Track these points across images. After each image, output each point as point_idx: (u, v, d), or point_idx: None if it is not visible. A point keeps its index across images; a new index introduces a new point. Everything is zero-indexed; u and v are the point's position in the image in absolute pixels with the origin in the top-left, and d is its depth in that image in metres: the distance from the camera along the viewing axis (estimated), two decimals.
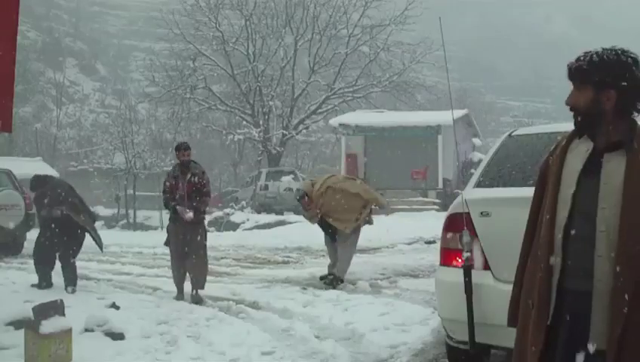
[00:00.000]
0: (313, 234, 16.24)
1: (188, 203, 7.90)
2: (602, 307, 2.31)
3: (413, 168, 24.67)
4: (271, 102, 31.67)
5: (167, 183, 8.15)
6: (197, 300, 7.69)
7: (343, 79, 32.29)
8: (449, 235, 4.24)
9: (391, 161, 25.56)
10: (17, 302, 7.04)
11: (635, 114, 2.44)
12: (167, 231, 8.32)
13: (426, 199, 23.81)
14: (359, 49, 31.90)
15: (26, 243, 14.57)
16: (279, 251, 14.14)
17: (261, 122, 31.53)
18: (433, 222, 11.82)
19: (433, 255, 8.79)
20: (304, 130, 34.76)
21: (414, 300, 7.50)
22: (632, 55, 2.44)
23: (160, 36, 34.26)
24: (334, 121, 27.25)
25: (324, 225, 9.23)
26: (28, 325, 4.94)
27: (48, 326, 4.77)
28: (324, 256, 13.08)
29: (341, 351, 5.33)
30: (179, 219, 7.91)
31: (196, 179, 8.03)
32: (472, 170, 16.29)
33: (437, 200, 23.40)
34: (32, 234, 15.10)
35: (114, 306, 7.02)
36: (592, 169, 2.41)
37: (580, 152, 2.47)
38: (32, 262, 12.51)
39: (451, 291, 4.08)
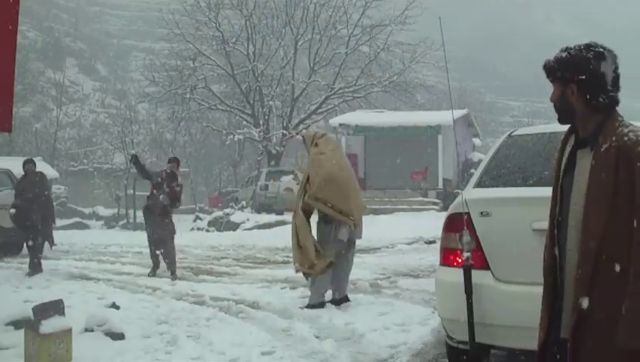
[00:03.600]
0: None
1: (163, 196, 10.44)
2: (569, 297, 2.45)
3: (414, 168, 24.68)
4: (271, 102, 31.67)
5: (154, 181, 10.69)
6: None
7: (343, 79, 32.29)
8: (449, 235, 4.24)
9: (391, 161, 25.59)
10: (17, 301, 7.04)
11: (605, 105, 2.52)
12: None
13: (426, 199, 23.81)
14: (359, 49, 31.90)
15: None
16: (279, 251, 14.14)
17: (261, 122, 31.54)
18: (433, 222, 11.84)
19: (433, 255, 8.80)
20: (304, 130, 34.73)
21: (414, 300, 7.49)
22: (597, 49, 2.52)
23: (160, 36, 34.29)
24: (334, 121, 27.26)
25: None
26: (28, 325, 4.94)
27: (48, 326, 4.77)
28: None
29: (341, 350, 5.33)
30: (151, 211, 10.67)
31: (178, 188, 10.77)
32: (472, 170, 16.29)
33: (437, 200, 23.40)
34: None
35: (114, 306, 7.02)
36: (570, 165, 2.55)
37: (568, 148, 2.60)
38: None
39: (451, 291, 4.08)
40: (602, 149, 2.41)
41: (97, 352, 5.26)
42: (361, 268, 10.32)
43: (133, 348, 5.47)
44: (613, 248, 2.33)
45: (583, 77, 2.48)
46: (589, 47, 2.53)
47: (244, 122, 32.70)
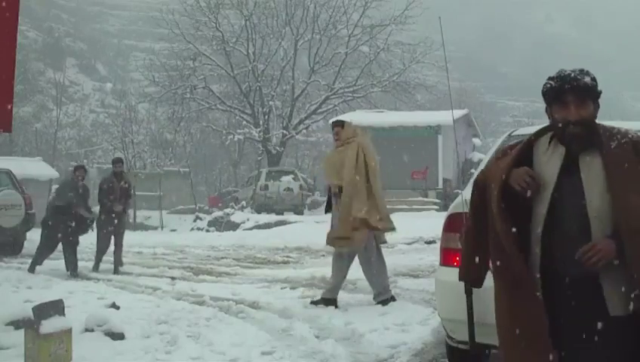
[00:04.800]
0: (313, 234, 16.28)
1: (120, 201, 11.16)
2: (611, 281, 2.59)
3: (414, 168, 24.68)
4: (271, 102, 31.69)
5: (105, 186, 11.20)
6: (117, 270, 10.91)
7: (342, 79, 32.29)
8: (449, 235, 4.24)
9: (391, 161, 25.54)
10: (17, 302, 7.04)
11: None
12: (99, 222, 11.13)
13: (426, 199, 23.82)
14: (359, 49, 31.91)
15: (26, 243, 14.58)
16: (279, 251, 14.15)
17: (261, 122, 31.55)
18: (433, 222, 11.82)
19: (433, 255, 8.80)
20: (304, 130, 34.76)
21: (414, 300, 7.50)
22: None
23: (160, 36, 34.28)
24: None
25: None
26: (28, 325, 4.94)
27: (48, 326, 4.76)
28: (324, 255, 13.09)
29: (341, 350, 5.33)
30: (110, 213, 11.01)
31: (127, 185, 11.47)
32: (472, 170, 16.31)
33: (437, 200, 23.41)
34: (32, 234, 15.17)
35: (114, 306, 7.02)
36: (570, 169, 2.70)
37: (555, 157, 2.76)
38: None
39: (451, 291, 4.08)
40: (613, 146, 2.66)
41: (97, 352, 5.26)
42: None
43: (133, 348, 5.47)
44: None
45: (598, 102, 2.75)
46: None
47: (244, 122, 32.71)
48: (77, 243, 10.62)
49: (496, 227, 2.76)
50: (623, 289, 2.58)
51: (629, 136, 2.69)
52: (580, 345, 2.64)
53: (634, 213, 2.55)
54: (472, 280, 3.13)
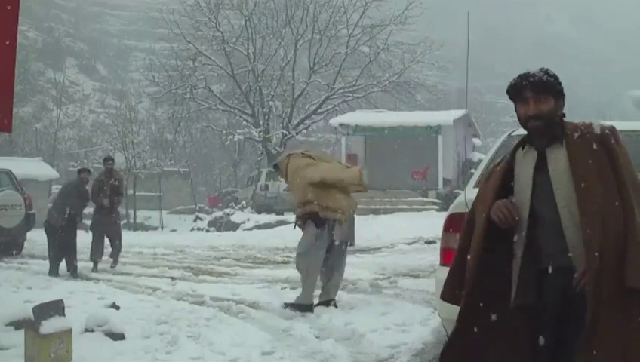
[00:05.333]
0: None
1: (110, 198, 11.36)
2: (581, 264, 2.71)
3: (414, 168, 24.66)
4: (271, 103, 31.67)
5: (97, 185, 11.44)
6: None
7: (343, 79, 32.26)
8: (449, 235, 4.24)
9: (391, 161, 25.56)
10: (17, 302, 7.04)
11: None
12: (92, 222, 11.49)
13: (426, 199, 23.80)
14: (359, 49, 31.87)
15: (26, 244, 14.59)
16: (279, 251, 14.14)
17: (261, 122, 31.53)
18: (433, 222, 11.82)
19: (433, 255, 8.79)
20: (304, 130, 34.75)
21: (414, 300, 7.50)
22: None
23: (160, 36, 34.26)
24: (334, 121, 27.25)
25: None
26: (28, 325, 4.94)
27: (48, 326, 4.76)
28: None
29: (341, 350, 5.33)
30: (104, 211, 11.29)
31: (117, 182, 11.62)
32: (472, 170, 16.30)
33: (437, 200, 23.39)
34: (32, 234, 15.17)
35: (114, 306, 7.02)
36: (540, 167, 2.85)
37: (528, 160, 2.90)
38: (31, 262, 12.61)
39: None
40: (575, 137, 2.80)
41: (97, 352, 5.26)
42: (361, 268, 10.33)
43: (133, 348, 5.47)
44: (611, 210, 2.68)
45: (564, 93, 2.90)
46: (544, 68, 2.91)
47: (244, 122, 32.69)
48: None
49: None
50: None
51: (593, 129, 2.81)
52: (572, 331, 2.73)
53: (591, 195, 2.68)
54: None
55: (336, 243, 7.16)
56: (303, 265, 7.14)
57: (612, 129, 2.86)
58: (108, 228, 11.42)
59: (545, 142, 2.85)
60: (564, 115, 2.91)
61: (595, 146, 2.77)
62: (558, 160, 2.81)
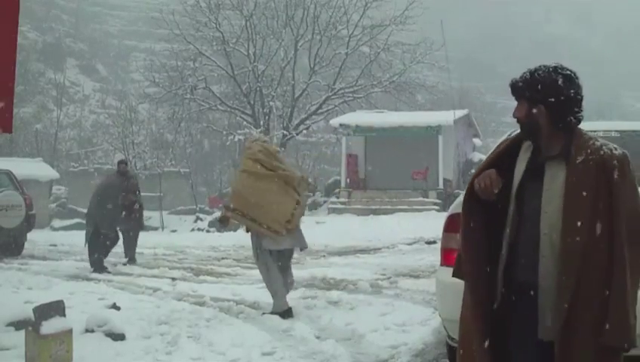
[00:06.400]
0: (313, 235, 16.28)
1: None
2: (547, 302, 2.57)
3: (414, 168, 24.66)
4: (271, 103, 31.67)
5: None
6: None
7: (343, 79, 32.27)
8: (450, 235, 4.24)
9: (391, 162, 25.55)
10: (18, 302, 7.04)
11: (574, 123, 2.67)
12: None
13: (426, 199, 23.80)
14: (359, 49, 31.88)
15: (26, 244, 14.58)
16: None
17: (261, 122, 31.53)
18: (434, 223, 11.83)
19: (434, 255, 8.80)
20: (305, 131, 34.76)
21: (415, 300, 7.49)
22: (565, 72, 2.63)
23: (160, 37, 34.26)
24: (335, 122, 27.25)
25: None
26: (28, 326, 4.94)
27: (49, 326, 4.77)
28: (324, 256, 13.11)
29: (341, 351, 5.33)
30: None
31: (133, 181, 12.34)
32: (472, 171, 16.28)
33: (437, 201, 23.40)
34: (33, 235, 15.18)
35: (114, 307, 7.02)
36: (535, 174, 2.67)
37: (525, 157, 2.74)
38: (32, 263, 12.62)
39: (452, 291, 4.07)
40: (578, 161, 2.56)
41: (98, 353, 5.26)
42: (361, 269, 10.34)
43: (133, 348, 5.48)
44: (596, 257, 2.49)
45: (553, 99, 2.61)
46: (557, 69, 2.64)
47: (245, 123, 32.68)
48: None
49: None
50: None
51: (601, 152, 2.56)
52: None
53: (576, 232, 2.50)
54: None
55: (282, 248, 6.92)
56: (262, 276, 7.03)
57: (622, 159, 2.58)
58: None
59: (544, 154, 2.68)
60: (569, 125, 2.65)
61: (597, 176, 2.52)
62: (554, 180, 2.62)
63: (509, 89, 2.70)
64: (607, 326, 2.45)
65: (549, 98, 2.61)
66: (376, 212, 21.78)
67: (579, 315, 2.49)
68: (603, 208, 2.50)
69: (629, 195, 2.53)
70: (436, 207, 22.50)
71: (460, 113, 26.33)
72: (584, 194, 2.52)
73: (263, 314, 6.81)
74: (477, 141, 30.19)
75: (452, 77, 38.45)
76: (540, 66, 2.68)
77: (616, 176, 2.52)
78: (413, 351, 5.32)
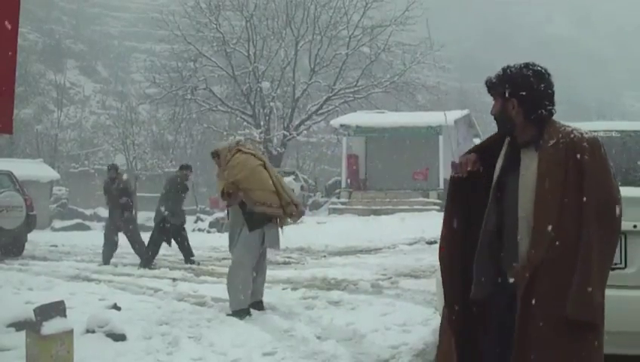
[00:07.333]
0: (314, 235, 16.29)
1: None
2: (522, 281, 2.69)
3: (415, 169, 24.68)
4: (272, 103, 31.68)
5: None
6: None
7: (343, 80, 32.30)
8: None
9: (392, 162, 25.57)
10: (18, 303, 7.04)
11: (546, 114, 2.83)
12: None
13: (427, 199, 23.81)
14: (360, 50, 31.91)
15: (27, 245, 14.58)
16: (280, 252, 14.10)
17: (262, 123, 31.55)
18: (434, 223, 11.81)
19: (434, 255, 8.77)
20: (305, 131, 34.78)
21: (415, 300, 7.49)
22: (535, 68, 2.80)
23: (161, 37, 34.28)
24: (335, 122, 27.26)
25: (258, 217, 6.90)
26: (29, 326, 4.94)
27: (49, 327, 4.76)
28: (325, 256, 13.11)
29: (342, 351, 5.33)
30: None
31: (121, 185, 12.58)
32: None
33: (438, 201, 23.40)
34: (34, 236, 15.18)
35: (115, 307, 7.02)
36: (513, 164, 2.82)
37: (504, 153, 2.90)
38: (33, 263, 12.63)
39: None
40: (549, 145, 2.69)
41: (99, 353, 5.26)
42: (362, 269, 10.33)
43: (134, 349, 5.47)
44: (564, 234, 2.60)
45: (524, 93, 2.76)
46: (527, 66, 2.81)
47: (245, 123, 32.70)
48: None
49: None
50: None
51: (571, 135, 2.69)
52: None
53: (547, 213, 2.62)
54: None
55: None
56: (232, 268, 7.08)
57: (592, 141, 2.68)
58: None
59: (520, 143, 2.83)
60: (541, 117, 2.78)
61: (566, 157, 2.65)
62: (529, 165, 2.75)
63: (486, 87, 2.87)
64: (570, 298, 2.55)
65: (520, 92, 2.76)
66: (376, 212, 21.78)
67: (539, 289, 2.59)
68: (573, 187, 2.61)
69: (599, 175, 2.62)
70: (437, 207, 22.50)
71: (460, 113, 26.34)
72: (555, 174, 2.64)
73: (228, 315, 6.71)
74: (477, 141, 30.18)
75: (452, 77, 38.37)
76: (511, 64, 2.84)
77: (586, 157, 2.62)
78: (414, 351, 5.32)
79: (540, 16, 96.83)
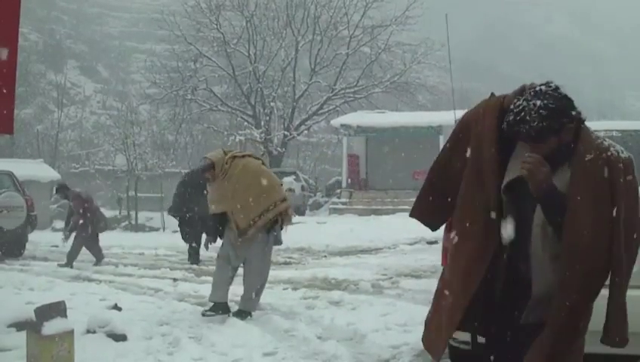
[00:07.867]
0: (315, 235, 16.28)
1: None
2: (540, 290, 2.56)
3: (415, 168, 24.65)
4: (272, 103, 31.68)
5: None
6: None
7: (344, 80, 32.29)
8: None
9: (392, 162, 25.57)
10: (19, 303, 7.04)
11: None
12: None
13: None
14: (360, 50, 31.90)
15: (27, 245, 14.59)
16: (281, 252, 14.10)
17: (262, 123, 31.55)
18: None
19: (435, 255, 8.78)
20: (305, 131, 34.78)
21: (416, 300, 7.49)
22: (551, 83, 2.56)
23: (161, 38, 34.29)
24: (336, 122, 27.26)
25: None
26: (30, 326, 4.94)
27: (50, 327, 4.76)
28: (325, 256, 13.11)
29: (343, 351, 5.33)
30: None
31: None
32: None
33: None
34: (34, 236, 15.18)
35: (116, 307, 7.02)
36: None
37: (522, 153, 2.58)
38: (33, 264, 12.63)
39: None
40: (586, 159, 2.48)
41: (99, 353, 5.26)
42: (362, 269, 10.34)
43: (135, 349, 5.48)
44: (596, 257, 2.46)
45: (573, 111, 2.52)
46: (550, 86, 2.54)
47: (246, 123, 32.70)
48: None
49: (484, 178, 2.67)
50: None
51: (608, 153, 2.50)
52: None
53: (581, 229, 2.44)
54: (424, 219, 3.21)
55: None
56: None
57: (627, 163, 2.52)
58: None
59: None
60: (578, 128, 2.56)
61: (603, 174, 2.47)
62: (558, 179, 2.53)
63: (527, 137, 2.51)
64: (610, 325, 2.50)
65: (572, 111, 2.52)
66: (377, 212, 21.78)
67: (563, 306, 2.49)
68: (605, 210, 2.46)
69: (630, 201, 2.50)
70: None
71: (461, 113, 26.30)
72: (590, 192, 2.47)
73: (204, 312, 6.74)
74: None
75: (452, 77, 38.49)
76: (538, 94, 2.52)
77: (620, 180, 2.47)
78: (415, 351, 5.32)
79: (540, 16, 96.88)
